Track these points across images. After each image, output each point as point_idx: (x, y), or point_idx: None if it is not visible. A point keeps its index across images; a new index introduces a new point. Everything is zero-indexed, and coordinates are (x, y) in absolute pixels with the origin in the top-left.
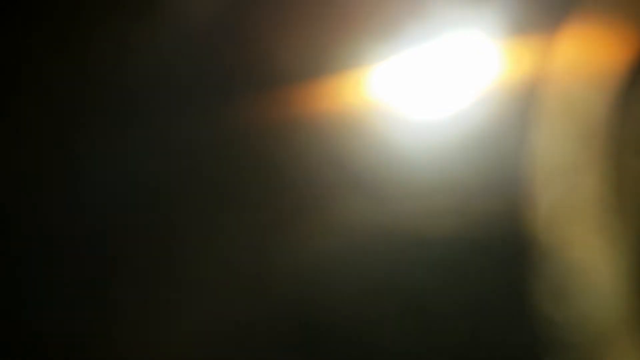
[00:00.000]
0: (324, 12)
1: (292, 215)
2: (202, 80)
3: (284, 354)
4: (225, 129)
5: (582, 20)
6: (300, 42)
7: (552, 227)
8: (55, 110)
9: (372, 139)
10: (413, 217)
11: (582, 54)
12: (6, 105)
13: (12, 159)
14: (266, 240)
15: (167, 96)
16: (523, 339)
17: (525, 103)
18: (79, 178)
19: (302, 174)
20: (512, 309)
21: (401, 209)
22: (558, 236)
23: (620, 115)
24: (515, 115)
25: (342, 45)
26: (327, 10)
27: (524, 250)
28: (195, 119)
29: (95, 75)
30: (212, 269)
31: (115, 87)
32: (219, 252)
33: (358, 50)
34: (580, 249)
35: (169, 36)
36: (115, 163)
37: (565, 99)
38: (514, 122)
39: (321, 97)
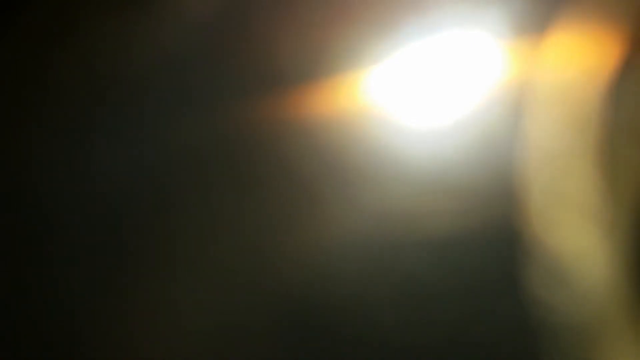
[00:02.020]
0: (323, 12)
1: (290, 216)
2: (198, 80)
3: (282, 350)
4: (222, 129)
5: (576, 13)
6: (299, 43)
7: (545, 213)
8: (59, 104)
9: (371, 140)
10: (409, 214)
11: (577, 47)
12: (9, 99)
13: (13, 153)
14: (264, 239)
15: (161, 94)
16: (516, 323)
17: (522, 100)
18: (80, 174)
19: (300, 175)
20: (506, 295)
21: (399, 207)
22: (551, 223)
23: (614, 105)
24: (514, 114)
25: (341, 47)
26: (327, 11)
27: (517, 236)
28: (192, 119)
29: (96, 70)
30: (210, 267)
31: (114, 82)
32: (216, 250)
33: (358, 52)
34: (574, 235)
35: (164, 36)
36: (112, 160)
37: (562, 93)
38: (512, 119)
39: (320, 99)
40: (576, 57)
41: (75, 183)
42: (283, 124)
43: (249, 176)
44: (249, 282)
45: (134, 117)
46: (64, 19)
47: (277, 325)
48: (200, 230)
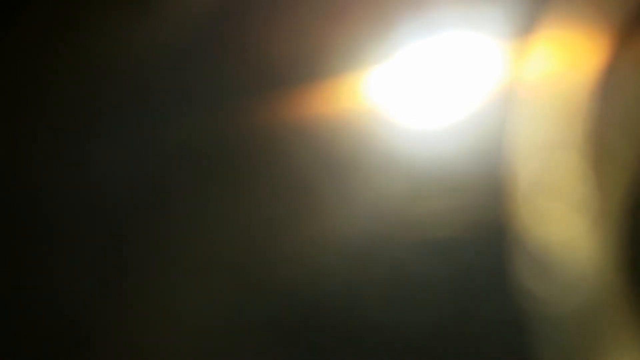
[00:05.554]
0: (323, 12)
1: (290, 216)
2: (198, 80)
3: (279, 347)
4: (223, 129)
5: (566, 12)
6: (299, 44)
7: (536, 206)
8: (59, 104)
9: (369, 139)
10: (406, 212)
11: (568, 45)
12: (9, 99)
13: (13, 153)
14: (264, 238)
15: (161, 94)
16: (506, 313)
17: (519, 99)
18: (80, 174)
19: (300, 175)
20: (500, 290)
21: (397, 206)
22: (542, 216)
23: (604, 100)
24: (512, 113)
25: (341, 47)
26: (327, 11)
27: (511, 233)
28: (192, 119)
29: (96, 70)
30: (209, 266)
31: (114, 82)
32: (216, 249)
33: (358, 53)
34: (564, 227)
35: (165, 35)
36: (112, 160)
37: (553, 89)
38: (509, 117)
39: (321, 99)
40: (567, 54)
41: (75, 183)
42: (283, 124)
43: (249, 176)
44: (249, 281)
45: (134, 117)
46: (64, 18)
47: (274, 322)
48: (199, 230)
